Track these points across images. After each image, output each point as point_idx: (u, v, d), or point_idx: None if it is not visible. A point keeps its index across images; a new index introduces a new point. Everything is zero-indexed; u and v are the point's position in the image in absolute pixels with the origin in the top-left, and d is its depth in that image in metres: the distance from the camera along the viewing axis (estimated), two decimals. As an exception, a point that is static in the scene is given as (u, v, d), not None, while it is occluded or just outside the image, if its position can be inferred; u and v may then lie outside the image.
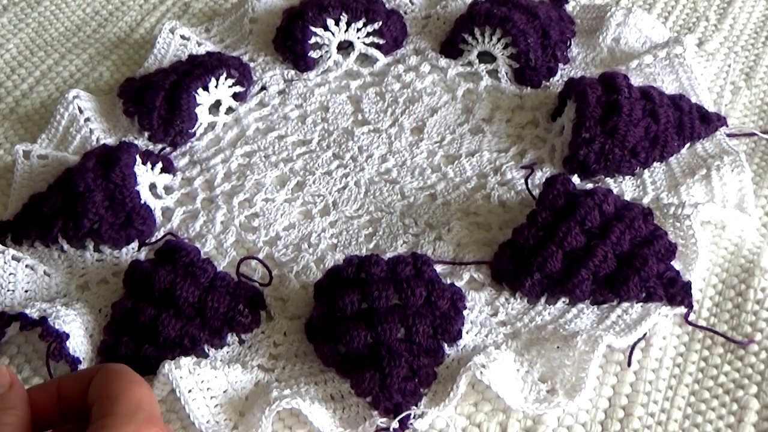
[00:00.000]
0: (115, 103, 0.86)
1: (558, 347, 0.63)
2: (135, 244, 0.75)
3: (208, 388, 0.62)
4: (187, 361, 0.62)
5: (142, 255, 0.74)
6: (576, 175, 0.75)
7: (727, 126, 0.79)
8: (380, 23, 0.89)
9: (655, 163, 0.76)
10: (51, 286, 0.71)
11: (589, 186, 0.74)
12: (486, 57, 0.87)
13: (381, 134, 0.83)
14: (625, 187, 0.75)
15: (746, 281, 0.69)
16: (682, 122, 0.77)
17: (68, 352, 0.64)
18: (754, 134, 0.80)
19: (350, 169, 0.80)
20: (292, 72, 0.89)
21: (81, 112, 0.84)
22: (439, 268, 0.70)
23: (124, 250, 0.74)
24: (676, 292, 0.66)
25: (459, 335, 0.65)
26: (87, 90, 0.88)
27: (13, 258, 0.71)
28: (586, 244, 0.67)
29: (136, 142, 0.81)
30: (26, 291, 0.71)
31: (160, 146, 0.82)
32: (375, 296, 0.63)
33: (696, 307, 0.67)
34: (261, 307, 0.69)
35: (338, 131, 0.84)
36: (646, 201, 0.74)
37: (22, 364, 0.67)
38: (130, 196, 0.74)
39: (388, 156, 0.81)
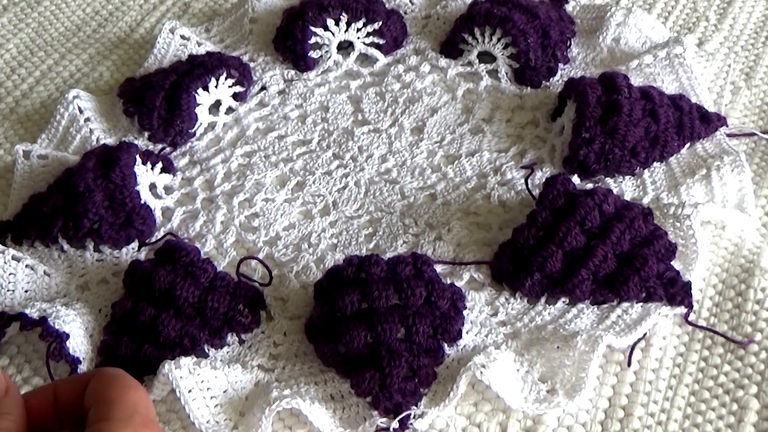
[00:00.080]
0: (115, 103, 0.86)
1: (558, 347, 0.63)
2: (135, 244, 0.75)
3: (208, 388, 0.62)
4: (187, 361, 0.62)
5: (142, 255, 0.74)
6: (576, 175, 0.75)
7: (727, 126, 0.79)
8: (380, 23, 0.88)
9: (655, 163, 0.76)
10: (51, 286, 0.71)
11: (589, 186, 0.74)
12: (486, 57, 0.87)
13: (381, 134, 0.83)
14: (625, 187, 0.75)
15: (746, 281, 0.69)
16: (682, 122, 0.77)
17: (68, 352, 0.64)
18: (754, 134, 0.80)
19: (350, 169, 0.80)
20: (292, 72, 0.89)
21: (81, 112, 0.84)
22: (439, 268, 0.70)
23: (124, 250, 0.74)
24: (676, 292, 0.66)
25: (459, 335, 0.65)
26: (87, 90, 0.88)
27: (13, 258, 0.71)
28: (586, 244, 0.67)
29: (136, 142, 0.81)
30: (26, 291, 0.70)
31: (160, 146, 0.82)
32: (375, 296, 0.63)
33: (696, 307, 0.67)
34: (261, 307, 0.69)
35: (338, 131, 0.84)
36: (646, 201, 0.74)
37: (22, 364, 0.67)
38: (130, 196, 0.74)
39: (388, 156, 0.81)
